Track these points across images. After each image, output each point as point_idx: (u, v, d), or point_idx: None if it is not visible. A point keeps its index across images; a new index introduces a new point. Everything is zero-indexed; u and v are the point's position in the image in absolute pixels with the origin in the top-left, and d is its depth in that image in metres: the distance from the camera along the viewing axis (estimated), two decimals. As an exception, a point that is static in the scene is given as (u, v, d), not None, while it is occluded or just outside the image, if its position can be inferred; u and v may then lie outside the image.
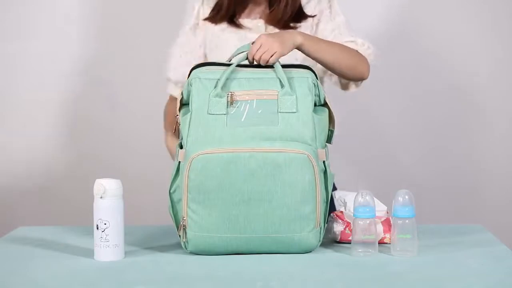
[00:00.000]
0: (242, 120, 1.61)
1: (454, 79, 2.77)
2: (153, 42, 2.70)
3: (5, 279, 1.49)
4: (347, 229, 1.66)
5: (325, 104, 1.68)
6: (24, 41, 2.73)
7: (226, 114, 1.62)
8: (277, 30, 1.93)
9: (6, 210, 2.78)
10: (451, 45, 2.74)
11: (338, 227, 1.69)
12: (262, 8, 1.99)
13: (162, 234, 1.78)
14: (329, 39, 1.93)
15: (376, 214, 1.64)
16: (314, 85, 1.66)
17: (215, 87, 1.63)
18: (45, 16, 2.73)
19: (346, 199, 1.72)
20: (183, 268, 1.54)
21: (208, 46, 2.01)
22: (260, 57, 1.68)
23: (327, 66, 1.87)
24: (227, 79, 1.64)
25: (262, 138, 1.59)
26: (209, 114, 1.62)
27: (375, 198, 1.65)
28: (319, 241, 1.63)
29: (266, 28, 1.96)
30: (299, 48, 1.79)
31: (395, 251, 1.59)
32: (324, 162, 1.63)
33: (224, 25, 1.99)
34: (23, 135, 2.77)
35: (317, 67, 1.88)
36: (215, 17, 1.99)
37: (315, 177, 1.58)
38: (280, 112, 1.62)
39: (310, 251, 1.62)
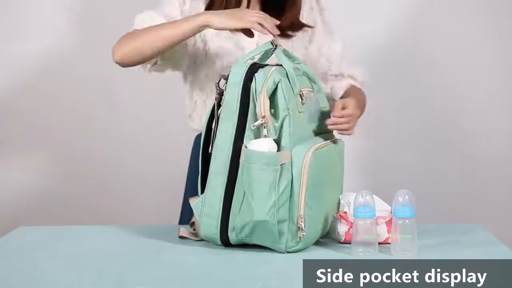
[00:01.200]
0: (310, 117, 1.68)
1: (455, 79, 2.77)
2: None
3: (5, 279, 1.49)
4: (351, 229, 1.66)
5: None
6: (24, 41, 2.73)
7: (303, 112, 1.65)
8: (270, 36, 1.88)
9: (6, 210, 2.78)
10: (451, 45, 2.75)
11: (342, 228, 1.68)
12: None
13: (162, 234, 1.78)
14: (326, 64, 1.99)
15: (380, 214, 1.64)
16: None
17: (295, 86, 1.64)
18: (46, 16, 2.73)
19: (350, 200, 1.73)
20: (183, 268, 1.54)
21: (203, 48, 1.94)
22: (346, 129, 1.76)
23: None
24: (297, 75, 1.67)
25: (313, 132, 1.69)
26: (299, 112, 1.63)
27: (379, 198, 1.66)
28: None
29: (260, 34, 1.86)
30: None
31: (395, 251, 1.59)
32: None
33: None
34: (22, 135, 2.77)
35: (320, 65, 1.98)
36: None
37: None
38: (321, 108, 1.72)
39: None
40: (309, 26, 1.96)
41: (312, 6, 1.99)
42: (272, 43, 1.67)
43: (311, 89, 1.70)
